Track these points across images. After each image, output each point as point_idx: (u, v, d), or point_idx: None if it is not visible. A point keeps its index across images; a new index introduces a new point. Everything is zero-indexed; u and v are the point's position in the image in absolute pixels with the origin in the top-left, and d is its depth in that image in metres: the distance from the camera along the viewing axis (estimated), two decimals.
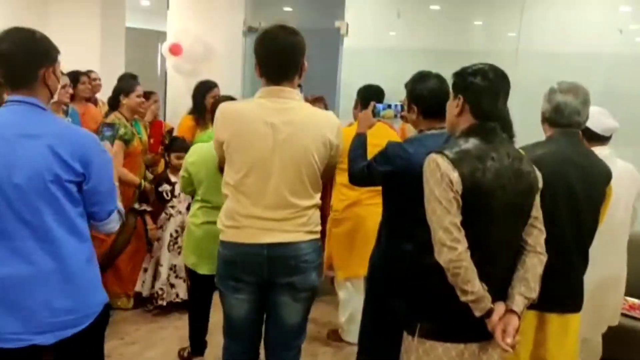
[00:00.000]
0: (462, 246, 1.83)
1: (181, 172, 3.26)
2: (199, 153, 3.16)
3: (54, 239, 1.84)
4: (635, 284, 3.22)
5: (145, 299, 4.23)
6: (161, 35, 9.13)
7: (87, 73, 4.68)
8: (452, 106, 2.02)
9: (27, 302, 1.85)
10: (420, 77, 2.54)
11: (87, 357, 2.03)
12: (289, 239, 2.26)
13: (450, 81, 2.07)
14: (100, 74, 5.08)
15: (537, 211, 2.00)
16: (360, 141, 2.69)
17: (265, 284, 2.32)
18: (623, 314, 3.25)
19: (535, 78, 4.44)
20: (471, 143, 1.91)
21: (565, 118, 2.35)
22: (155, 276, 4.15)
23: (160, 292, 4.08)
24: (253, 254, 2.27)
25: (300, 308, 2.39)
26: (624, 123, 2.96)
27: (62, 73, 3.77)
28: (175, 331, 3.91)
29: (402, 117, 2.82)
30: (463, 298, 1.86)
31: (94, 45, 6.50)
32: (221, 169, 2.40)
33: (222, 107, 2.33)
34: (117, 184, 2.15)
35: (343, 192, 3.62)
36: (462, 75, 2.00)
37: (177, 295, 4.12)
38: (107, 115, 4.15)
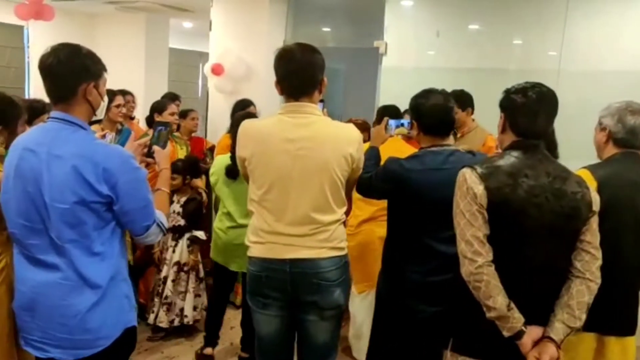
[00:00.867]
0: (484, 259, 1.81)
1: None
2: (217, 164, 3.48)
3: (73, 257, 1.84)
4: None
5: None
6: (203, 56, 9.33)
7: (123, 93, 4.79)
8: (499, 124, 2.04)
9: (45, 314, 1.88)
10: (424, 93, 2.52)
11: None
12: (310, 255, 2.25)
13: (495, 100, 2.07)
14: (144, 93, 5.21)
15: (591, 236, 1.92)
16: (371, 153, 2.71)
17: (292, 302, 2.32)
18: None
19: (577, 97, 4.37)
20: (506, 159, 1.91)
21: (639, 140, 2.32)
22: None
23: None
24: (277, 269, 2.28)
25: (328, 326, 2.37)
26: None
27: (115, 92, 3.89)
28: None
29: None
30: (487, 314, 1.83)
31: (138, 65, 6.71)
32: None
33: (244, 124, 2.37)
34: (167, 190, 2.16)
35: (359, 206, 3.59)
36: (505, 94, 2.01)
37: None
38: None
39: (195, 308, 4.05)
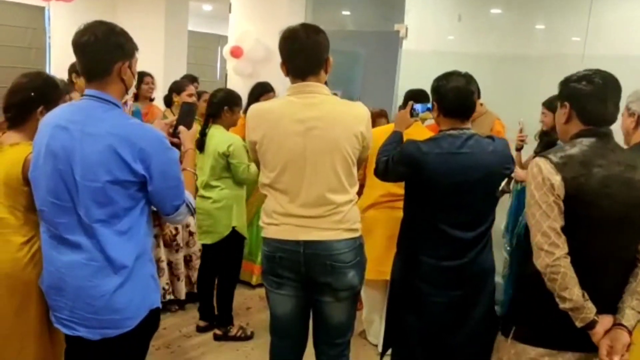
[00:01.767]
0: (561, 251, 1.79)
1: None
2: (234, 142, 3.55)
3: (100, 237, 1.83)
4: None
5: None
6: (222, 39, 9.32)
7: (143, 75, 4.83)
8: (560, 115, 1.98)
9: (72, 294, 1.89)
10: (446, 75, 2.48)
11: None
12: (324, 237, 2.25)
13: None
14: (163, 75, 5.23)
15: None
16: (394, 138, 2.69)
17: (306, 282, 2.33)
18: None
19: None
20: (578, 148, 1.86)
21: None
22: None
23: (167, 287, 4.06)
24: (290, 250, 2.28)
25: (343, 307, 2.38)
26: None
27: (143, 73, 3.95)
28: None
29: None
30: (561, 305, 1.81)
31: (158, 47, 6.72)
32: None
33: (253, 108, 2.36)
34: (193, 170, 2.16)
35: (367, 192, 3.54)
36: (565, 83, 1.96)
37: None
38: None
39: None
